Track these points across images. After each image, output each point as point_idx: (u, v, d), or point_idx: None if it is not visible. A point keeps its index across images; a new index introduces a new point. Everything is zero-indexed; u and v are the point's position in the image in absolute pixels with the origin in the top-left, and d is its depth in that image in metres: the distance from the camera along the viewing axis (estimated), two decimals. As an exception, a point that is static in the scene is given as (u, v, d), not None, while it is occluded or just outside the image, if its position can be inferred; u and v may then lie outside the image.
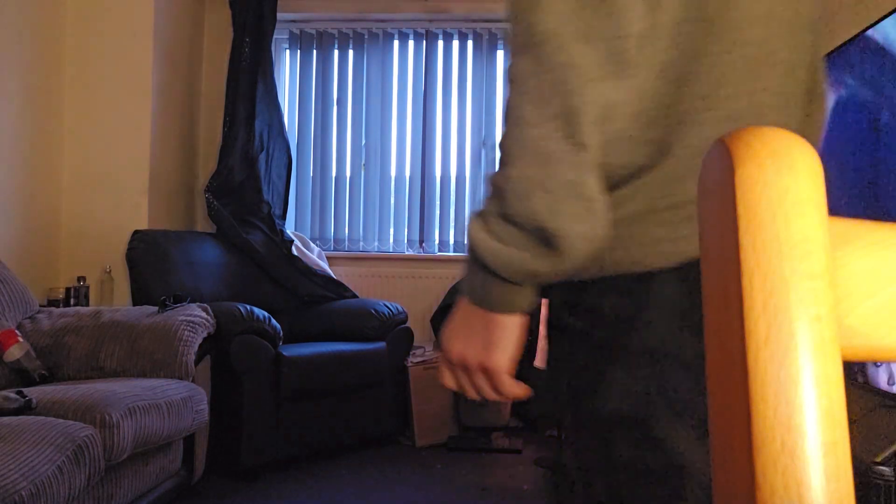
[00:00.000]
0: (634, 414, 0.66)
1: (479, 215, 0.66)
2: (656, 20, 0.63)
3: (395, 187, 4.09)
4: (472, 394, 0.73)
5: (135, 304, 3.11)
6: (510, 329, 0.68)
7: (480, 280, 0.67)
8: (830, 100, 1.89)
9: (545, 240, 0.62)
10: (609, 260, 0.67)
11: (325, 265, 3.79)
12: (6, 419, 1.73)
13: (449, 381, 0.74)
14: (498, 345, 0.69)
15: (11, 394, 1.89)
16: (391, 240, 4.07)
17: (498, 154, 0.65)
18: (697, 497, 0.65)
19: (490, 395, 0.72)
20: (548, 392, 0.74)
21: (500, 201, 0.63)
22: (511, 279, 0.65)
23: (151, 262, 3.11)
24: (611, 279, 0.68)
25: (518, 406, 3.45)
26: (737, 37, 0.65)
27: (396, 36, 4.11)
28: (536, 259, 0.63)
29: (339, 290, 3.68)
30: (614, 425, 0.68)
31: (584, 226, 0.62)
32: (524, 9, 0.61)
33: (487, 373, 0.70)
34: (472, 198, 4.01)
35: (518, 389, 0.71)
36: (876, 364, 1.60)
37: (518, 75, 0.62)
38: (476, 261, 0.66)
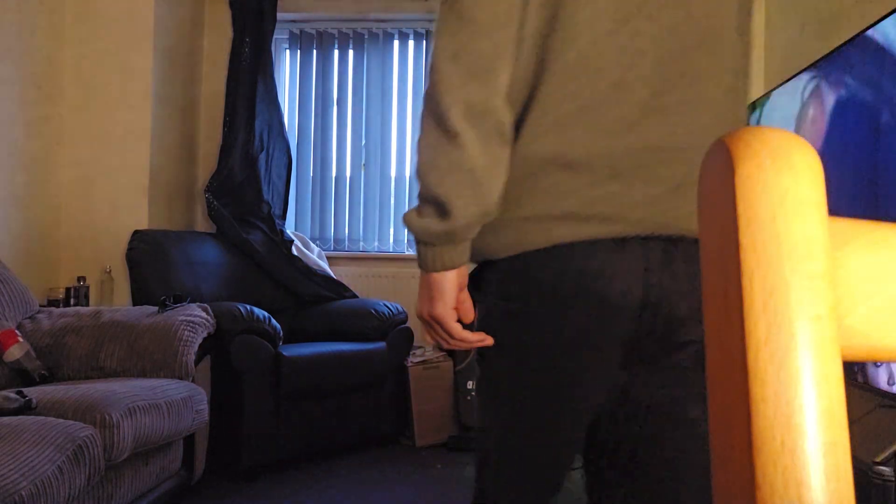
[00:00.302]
0: (500, 337, 0.92)
1: (418, 207, 0.88)
2: (518, 67, 0.85)
3: (395, 187, 4.09)
4: (444, 345, 0.93)
5: (135, 304, 3.11)
6: (444, 283, 0.88)
7: (418, 250, 0.89)
8: (830, 100, 1.89)
9: (440, 206, 0.84)
10: (478, 251, 0.91)
11: (325, 265, 3.79)
12: (6, 419, 1.74)
13: (426, 337, 0.96)
14: (438, 297, 0.89)
15: (11, 394, 1.89)
16: (391, 240, 4.07)
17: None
18: (499, 382, 0.95)
19: (449, 341, 0.91)
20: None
21: (418, 186, 0.86)
22: (431, 242, 0.87)
23: (151, 262, 3.11)
24: (482, 264, 0.93)
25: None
26: (561, 80, 0.85)
27: (396, 36, 4.11)
28: (437, 223, 0.84)
29: (339, 290, 3.68)
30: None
31: (467, 191, 0.83)
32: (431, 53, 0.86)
33: (438, 322, 0.90)
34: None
35: (470, 335, 0.91)
36: (876, 364, 1.60)
37: (423, 97, 0.86)
38: (414, 236, 0.88)
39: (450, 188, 0.83)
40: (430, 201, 0.84)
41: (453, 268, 0.88)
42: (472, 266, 0.94)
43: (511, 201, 0.87)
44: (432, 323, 0.91)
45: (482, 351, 0.94)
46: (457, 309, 0.91)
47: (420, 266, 0.90)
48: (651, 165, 0.84)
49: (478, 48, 0.81)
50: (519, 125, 0.87)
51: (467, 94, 0.81)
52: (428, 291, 0.90)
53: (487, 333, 0.92)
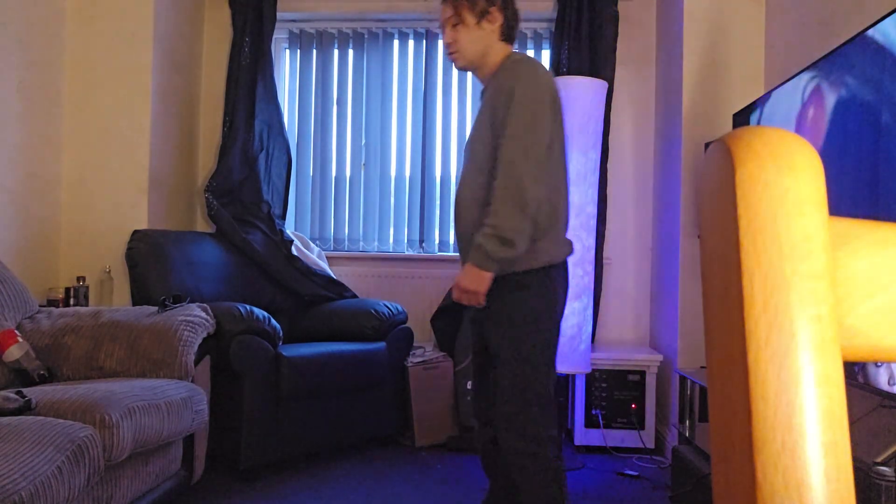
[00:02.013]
0: (534, 310, 1.93)
1: (492, 237, 1.85)
2: (552, 157, 1.95)
3: (395, 187, 4.09)
4: (469, 302, 1.92)
5: (134, 304, 3.10)
6: (490, 278, 1.88)
7: (487, 263, 1.85)
8: (830, 100, 1.89)
9: (510, 245, 1.84)
10: (528, 259, 1.92)
11: (325, 265, 3.79)
12: (6, 419, 1.73)
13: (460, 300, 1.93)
14: (486, 283, 1.87)
15: (11, 394, 1.89)
16: (391, 240, 4.07)
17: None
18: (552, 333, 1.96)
19: (475, 300, 1.89)
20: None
21: (499, 232, 1.85)
22: (498, 261, 1.86)
23: (151, 262, 3.11)
24: (531, 269, 1.93)
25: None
26: (562, 174, 2.00)
27: (396, 36, 4.11)
28: (506, 252, 1.85)
29: (339, 290, 3.68)
30: (525, 317, 1.95)
31: (523, 243, 1.86)
32: (518, 151, 1.91)
33: (479, 293, 1.88)
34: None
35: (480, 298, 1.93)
36: (876, 364, 1.60)
37: (506, 190, 1.90)
38: (486, 254, 1.85)
39: (518, 241, 1.84)
40: (507, 242, 1.83)
41: (494, 273, 1.88)
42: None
43: (545, 243, 1.94)
44: (474, 294, 1.88)
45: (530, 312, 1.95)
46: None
47: (483, 268, 1.85)
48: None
49: (541, 155, 1.87)
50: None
51: (537, 192, 1.86)
52: (483, 280, 1.86)
53: (530, 304, 1.94)
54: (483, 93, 2.07)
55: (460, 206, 2.02)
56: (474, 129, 2.03)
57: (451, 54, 2.03)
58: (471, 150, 2.01)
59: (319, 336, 3.42)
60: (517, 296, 1.91)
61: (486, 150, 1.95)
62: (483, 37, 2.00)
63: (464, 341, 3.47)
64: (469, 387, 3.35)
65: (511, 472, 1.94)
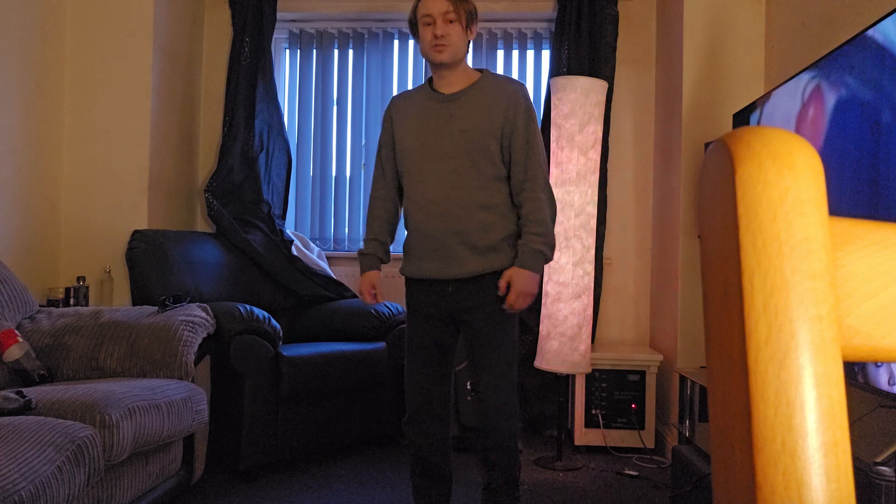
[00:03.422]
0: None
1: (546, 245, 2.06)
2: None
3: (395, 187, 4.08)
4: (527, 305, 2.06)
5: (134, 304, 3.10)
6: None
7: (539, 266, 2.05)
8: (830, 100, 1.89)
9: (553, 251, 2.11)
10: (512, 257, 2.14)
11: (325, 265, 3.79)
12: (6, 419, 1.73)
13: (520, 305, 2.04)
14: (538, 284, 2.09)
15: (11, 394, 1.89)
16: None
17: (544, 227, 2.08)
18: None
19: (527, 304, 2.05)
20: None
21: (549, 240, 2.08)
22: (547, 262, 2.09)
23: (151, 262, 3.11)
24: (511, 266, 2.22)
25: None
26: None
27: (396, 36, 4.11)
28: (549, 256, 2.10)
29: (339, 289, 3.68)
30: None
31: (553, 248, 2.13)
32: (542, 166, 2.12)
33: (533, 295, 2.05)
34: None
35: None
36: (876, 364, 1.60)
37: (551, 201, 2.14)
38: (545, 259, 2.07)
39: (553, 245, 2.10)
40: (552, 248, 2.07)
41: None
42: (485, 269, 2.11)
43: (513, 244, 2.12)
44: (532, 297, 2.03)
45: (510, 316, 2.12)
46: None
47: (537, 272, 2.03)
48: None
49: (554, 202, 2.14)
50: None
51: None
52: (537, 283, 2.04)
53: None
54: (454, 97, 2.11)
55: (453, 207, 2.07)
56: (467, 132, 2.07)
57: (440, 46, 2.08)
58: (468, 154, 2.07)
59: (319, 336, 3.42)
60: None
61: (489, 157, 2.07)
62: (465, 42, 2.15)
63: (462, 341, 3.47)
64: (469, 387, 3.35)
65: (500, 455, 2.11)
